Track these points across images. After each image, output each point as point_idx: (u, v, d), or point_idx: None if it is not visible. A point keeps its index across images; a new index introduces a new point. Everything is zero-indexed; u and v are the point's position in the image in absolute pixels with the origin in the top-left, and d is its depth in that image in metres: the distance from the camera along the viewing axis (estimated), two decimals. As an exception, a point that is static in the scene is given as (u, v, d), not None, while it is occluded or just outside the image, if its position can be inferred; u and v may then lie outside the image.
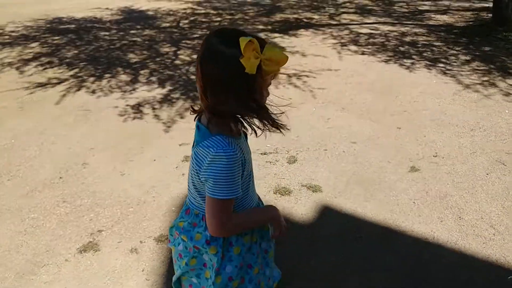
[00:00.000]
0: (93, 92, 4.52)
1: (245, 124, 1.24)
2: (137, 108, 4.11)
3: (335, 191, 2.84)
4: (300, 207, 2.67)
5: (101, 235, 2.41)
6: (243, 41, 1.05)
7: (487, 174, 3.04)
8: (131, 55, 5.80)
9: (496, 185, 2.91)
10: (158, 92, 4.53)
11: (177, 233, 1.39)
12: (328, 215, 2.62)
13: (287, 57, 1.13)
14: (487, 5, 9.06)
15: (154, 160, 3.21)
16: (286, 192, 2.81)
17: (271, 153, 3.30)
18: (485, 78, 4.89)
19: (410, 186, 2.89)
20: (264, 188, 2.85)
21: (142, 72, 5.14)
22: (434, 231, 2.47)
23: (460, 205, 2.70)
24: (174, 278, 1.49)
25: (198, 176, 1.22)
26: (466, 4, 9.83)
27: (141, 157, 3.24)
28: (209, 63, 1.12)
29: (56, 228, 2.46)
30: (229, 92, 1.12)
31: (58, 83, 4.75)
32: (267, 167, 3.10)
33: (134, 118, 3.92)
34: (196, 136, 1.25)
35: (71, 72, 5.11)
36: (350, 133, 3.63)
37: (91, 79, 4.90)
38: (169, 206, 2.68)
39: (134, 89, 4.60)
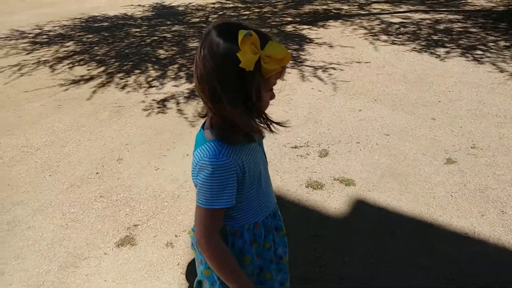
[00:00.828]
0: (124, 88, 4.62)
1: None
2: (167, 104, 4.17)
3: (368, 184, 2.79)
4: (333, 201, 2.64)
5: (137, 229, 2.47)
6: (241, 34, 0.97)
7: (530, 166, 2.91)
8: (160, 51, 5.89)
9: (540, 177, 2.78)
10: (186, 87, 4.58)
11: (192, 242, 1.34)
12: (362, 210, 2.58)
13: (289, 55, 1.03)
14: (527, -13, 8.61)
15: (187, 154, 3.25)
16: (319, 186, 2.78)
17: (302, 146, 3.28)
18: (527, 65, 4.66)
19: (447, 179, 2.80)
20: (296, 182, 2.83)
21: (171, 67, 5.21)
22: (475, 225, 2.39)
23: (503, 199, 2.59)
24: (196, 280, 1.44)
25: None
26: (505, -13, 9.38)
27: (173, 152, 3.29)
28: (205, 58, 1.02)
29: (94, 222, 2.54)
30: (224, 90, 1.02)
31: (91, 79, 4.89)
32: (298, 161, 3.09)
33: (164, 113, 3.98)
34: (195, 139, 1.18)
35: (102, 68, 5.24)
36: (382, 125, 3.55)
37: (121, 75, 5.01)
38: (201, 200, 2.71)
39: (163, 85, 4.67)
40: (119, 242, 2.37)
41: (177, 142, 3.43)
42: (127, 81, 4.81)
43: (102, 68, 5.27)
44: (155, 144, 3.42)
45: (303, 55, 5.44)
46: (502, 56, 5.00)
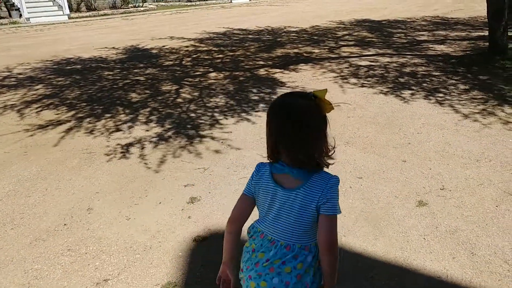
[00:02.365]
0: (93, 133, 4.56)
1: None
2: (139, 149, 4.13)
3: (344, 229, 2.79)
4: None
5: (107, 284, 2.36)
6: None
7: (497, 206, 2.99)
8: (133, 94, 5.89)
9: (507, 217, 2.85)
10: (158, 131, 4.55)
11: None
12: (339, 255, 2.56)
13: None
14: (483, 33, 9.22)
15: (160, 202, 3.19)
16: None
17: (277, 191, 3.27)
18: (485, 107, 4.91)
19: (419, 222, 2.84)
20: (271, 229, 2.80)
21: (142, 111, 5.19)
22: (447, 268, 2.41)
23: (472, 240, 2.64)
24: None
25: None
26: (463, 34, 10.02)
27: (145, 200, 3.22)
28: None
29: (60, 279, 2.41)
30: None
31: (59, 124, 4.81)
32: (273, 206, 3.07)
33: (136, 159, 3.92)
34: None
35: (72, 113, 5.18)
36: (355, 167, 3.61)
37: (91, 119, 4.96)
38: (176, 251, 2.64)
39: (132, 129, 4.63)
40: (87, 300, 2.25)
41: (149, 190, 3.37)
42: (96, 126, 4.75)
43: (72, 113, 5.20)
44: (127, 192, 3.34)
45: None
46: (461, 99, 5.26)
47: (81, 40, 11.03)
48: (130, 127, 4.69)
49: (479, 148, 3.90)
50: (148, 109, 5.27)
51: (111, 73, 7.24)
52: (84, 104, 5.54)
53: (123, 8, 19.71)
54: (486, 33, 7.55)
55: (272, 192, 1.45)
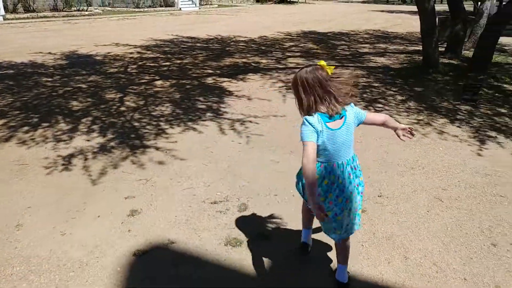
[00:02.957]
0: (27, 143, 4.31)
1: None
2: (79, 160, 3.96)
3: (285, 238, 2.83)
4: (251, 258, 2.63)
5: (37, 305, 2.23)
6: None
7: (428, 211, 3.18)
8: (74, 103, 5.65)
9: (436, 222, 3.04)
10: (100, 141, 4.39)
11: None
12: (279, 265, 2.59)
13: None
14: (418, 48, 9.82)
15: (98, 216, 3.07)
16: (238, 243, 2.76)
17: (222, 201, 3.27)
18: (420, 117, 5.23)
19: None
20: (215, 241, 2.79)
21: (84, 120, 5.00)
22: (383, 273, 2.52)
23: (406, 245, 2.78)
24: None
25: None
26: (401, 47, 10.62)
27: (83, 214, 3.09)
28: None
29: (-16, 302, 2.24)
30: None
31: (-7, 135, 4.50)
32: (217, 217, 3.06)
33: (76, 170, 3.75)
34: None
35: (3, 122, 4.87)
36: (298, 177, 3.68)
37: (26, 128, 4.69)
38: (114, 266, 2.54)
39: (73, 139, 4.43)
40: (14, 323, 2.11)
41: (88, 203, 3.23)
42: (32, 136, 4.49)
43: (2, 121, 4.89)
44: (63, 205, 3.18)
45: (223, 107, 5.56)
46: (398, 109, 5.56)
47: (16, 43, 10.42)
48: (70, 137, 4.48)
49: (414, 156, 4.14)
50: (90, 118, 5.07)
51: (49, 79, 6.89)
52: (17, 112, 5.23)
53: (66, 11, 18.84)
54: (421, 47, 8.04)
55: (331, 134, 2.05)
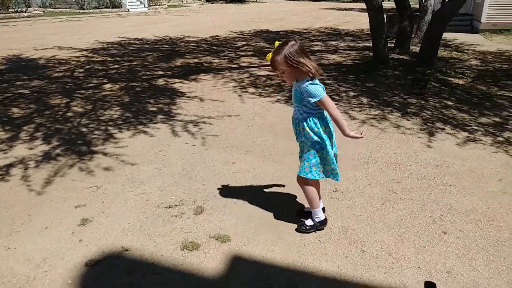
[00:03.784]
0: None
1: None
2: (22, 170, 3.71)
3: (243, 238, 2.79)
4: (209, 261, 2.57)
5: (-24, 329, 2.05)
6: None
7: (382, 204, 3.25)
8: (14, 110, 5.31)
9: (391, 214, 3.12)
10: (44, 149, 4.15)
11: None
12: (238, 266, 2.55)
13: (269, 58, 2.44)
14: (368, 44, 10.13)
15: (46, 227, 2.88)
16: (194, 247, 2.69)
17: (177, 205, 3.18)
18: (372, 112, 5.37)
19: (315, 224, 2.96)
20: (171, 246, 2.70)
21: (25, 128, 4.70)
22: (341, 267, 2.53)
23: (362, 238, 2.82)
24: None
25: None
26: (351, 44, 10.90)
27: (29, 226, 2.89)
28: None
29: None
30: None
31: None
32: (172, 222, 2.96)
33: (17, 181, 3.51)
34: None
35: None
36: (254, 175, 3.66)
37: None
38: (64, 279, 2.39)
39: (13, 148, 4.16)
40: None
41: (33, 214, 3.03)
42: (-31, 146, 4.17)
43: None
44: (5, 219, 2.96)
45: (175, 109, 5.44)
46: (351, 104, 5.68)
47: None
48: (9, 146, 4.20)
49: (367, 150, 4.23)
50: (33, 125, 4.78)
51: (-13, 85, 6.45)
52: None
53: (2, 13, 17.73)
54: (371, 44, 8.29)
55: None
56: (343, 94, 6.18)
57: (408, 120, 5.15)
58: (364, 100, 5.91)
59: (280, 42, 2.47)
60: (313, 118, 2.62)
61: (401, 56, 8.94)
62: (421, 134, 4.70)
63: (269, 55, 2.49)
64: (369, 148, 4.29)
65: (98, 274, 2.45)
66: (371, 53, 8.47)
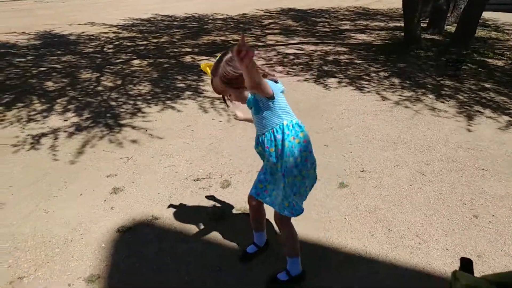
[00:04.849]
0: (4, 124, 4.17)
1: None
2: (56, 140, 3.85)
3: (268, 212, 2.82)
4: (236, 233, 2.62)
5: (22, 282, 2.18)
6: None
7: (410, 185, 3.21)
8: (48, 83, 5.46)
9: (419, 195, 3.08)
10: (73, 121, 4.27)
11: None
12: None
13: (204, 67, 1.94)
14: (400, 24, 9.83)
15: (81, 194, 3.00)
16: (221, 219, 2.75)
17: (204, 178, 3.24)
18: (403, 93, 5.25)
19: (340, 203, 2.96)
20: (199, 217, 2.76)
21: (59, 100, 4.84)
22: (366, 245, 2.54)
23: (388, 218, 2.81)
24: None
25: None
26: (382, 24, 10.60)
27: (65, 192, 3.02)
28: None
29: (-37, 284, 2.18)
30: None
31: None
32: (200, 194, 3.03)
33: (53, 150, 3.65)
34: None
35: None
36: (281, 153, 3.67)
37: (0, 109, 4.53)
38: (98, 242, 2.51)
39: (48, 119, 4.31)
40: (-4, 304, 2.06)
41: (69, 182, 3.15)
42: (5, 116, 4.34)
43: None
44: (44, 184, 3.10)
45: (202, 85, 5.47)
46: (382, 85, 5.57)
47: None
48: (44, 116, 4.34)
49: (396, 131, 4.16)
50: (66, 98, 4.92)
51: (23, 59, 6.64)
52: (-9, 92, 5.03)
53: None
54: (403, 23, 8.04)
55: None
56: (373, 74, 6.05)
57: (443, 102, 5.00)
58: (396, 81, 5.77)
59: (208, 64, 1.94)
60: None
61: (434, 37, 8.64)
62: (458, 118, 4.56)
63: (204, 64, 1.96)
64: (398, 129, 4.22)
65: (129, 240, 2.55)
66: (402, 33, 8.23)
